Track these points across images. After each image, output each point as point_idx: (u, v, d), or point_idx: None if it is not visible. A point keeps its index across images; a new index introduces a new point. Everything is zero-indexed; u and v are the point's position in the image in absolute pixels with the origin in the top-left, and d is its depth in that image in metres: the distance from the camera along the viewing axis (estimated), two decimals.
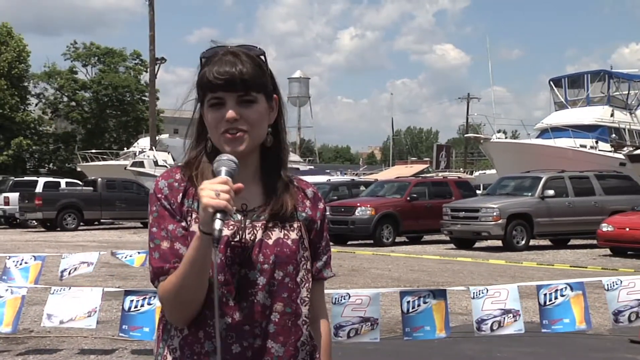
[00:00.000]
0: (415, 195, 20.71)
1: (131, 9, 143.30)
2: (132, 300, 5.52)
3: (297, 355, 1.74)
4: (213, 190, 1.55)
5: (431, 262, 15.27)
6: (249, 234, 1.71)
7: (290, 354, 1.72)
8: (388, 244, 19.68)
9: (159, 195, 1.74)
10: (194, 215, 1.72)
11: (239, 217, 1.73)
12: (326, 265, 1.87)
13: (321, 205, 1.86)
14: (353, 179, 31.06)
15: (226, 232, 1.70)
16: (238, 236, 1.71)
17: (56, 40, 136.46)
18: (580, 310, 4.66)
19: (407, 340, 4.91)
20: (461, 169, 60.20)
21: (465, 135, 47.25)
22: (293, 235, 1.76)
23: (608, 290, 4.98)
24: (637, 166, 22.66)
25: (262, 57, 1.78)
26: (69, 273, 6.72)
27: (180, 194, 1.74)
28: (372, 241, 19.74)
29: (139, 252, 7.12)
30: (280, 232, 1.74)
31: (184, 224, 1.72)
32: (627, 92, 33.35)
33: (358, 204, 20.30)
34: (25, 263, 6.82)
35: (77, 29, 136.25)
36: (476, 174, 51.74)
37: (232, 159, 1.65)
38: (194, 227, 1.69)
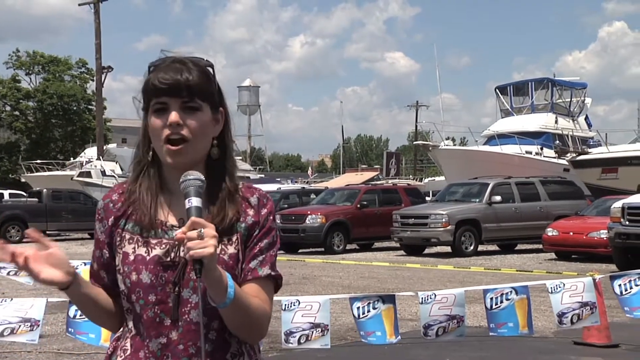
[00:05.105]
0: (365, 203, 20.83)
1: (77, 15, 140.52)
2: (77, 310, 5.43)
3: None
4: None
5: (381, 268, 15.37)
6: (183, 251, 1.59)
7: None
8: (339, 251, 19.71)
9: (97, 217, 1.80)
10: (127, 236, 1.74)
11: (175, 234, 1.63)
12: (262, 263, 1.73)
13: (264, 211, 1.77)
14: (303, 187, 31.08)
15: (158, 251, 1.70)
16: (172, 255, 1.69)
17: None
18: (524, 314, 4.77)
19: (359, 345, 4.94)
20: (411, 176, 60.82)
21: (415, 142, 47.78)
22: (231, 249, 1.72)
23: (552, 293, 5.11)
24: (580, 172, 23.26)
25: (210, 69, 1.77)
26: (8, 273, 6.51)
27: (113, 217, 1.77)
28: (322, 249, 19.74)
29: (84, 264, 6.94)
30: (218, 246, 1.66)
31: (106, 250, 1.77)
32: (569, 99, 34.23)
33: (308, 212, 20.33)
34: None
35: (20, 35, 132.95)
36: (425, 180, 52.40)
37: (198, 177, 1.62)
38: (127, 248, 1.72)
